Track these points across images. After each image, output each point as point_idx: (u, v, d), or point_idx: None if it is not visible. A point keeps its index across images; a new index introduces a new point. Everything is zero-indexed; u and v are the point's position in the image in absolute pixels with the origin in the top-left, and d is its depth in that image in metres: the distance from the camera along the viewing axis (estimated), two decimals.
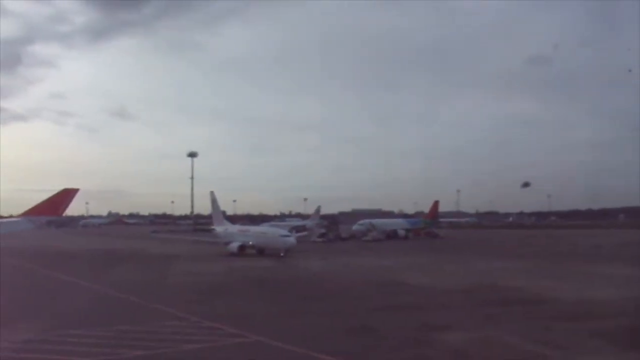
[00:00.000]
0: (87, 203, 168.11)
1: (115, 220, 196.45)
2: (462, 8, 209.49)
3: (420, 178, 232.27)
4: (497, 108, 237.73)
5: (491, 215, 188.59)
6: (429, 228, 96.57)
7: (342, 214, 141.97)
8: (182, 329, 19.60)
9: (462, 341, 17.68)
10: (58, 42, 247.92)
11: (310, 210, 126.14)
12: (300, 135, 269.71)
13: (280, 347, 16.76)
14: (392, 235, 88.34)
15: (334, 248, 67.85)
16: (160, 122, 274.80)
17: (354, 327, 19.87)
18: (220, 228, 64.59)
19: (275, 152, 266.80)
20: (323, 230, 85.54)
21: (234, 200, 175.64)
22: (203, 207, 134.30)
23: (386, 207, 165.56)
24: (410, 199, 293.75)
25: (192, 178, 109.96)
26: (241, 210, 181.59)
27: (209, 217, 74.31)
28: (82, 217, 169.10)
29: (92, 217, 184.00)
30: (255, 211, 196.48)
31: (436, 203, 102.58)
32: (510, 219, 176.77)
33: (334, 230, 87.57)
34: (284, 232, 58.52)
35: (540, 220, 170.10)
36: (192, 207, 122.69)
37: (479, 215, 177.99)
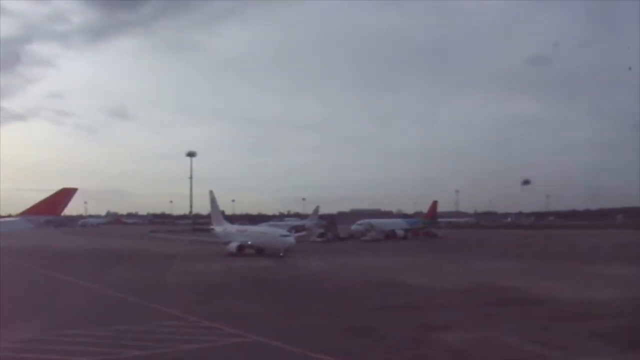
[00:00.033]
0: (85, 203, 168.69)
1: (114, 220, 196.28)
2: (462, 8, 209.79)
3: (420, 178, 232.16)
4: (497, 108, 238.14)
5: (490, 215, 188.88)
6: (428, 228, 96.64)
7: (340, 214, 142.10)
8: (181, 328, 19.58)
9: (460, 341, 17.70)
10: (57, 41, 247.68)
11: (308, 210, 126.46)
12: (299, 135, 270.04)
13: (280, 347, 16.76)
14: (390, 235, 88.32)
15: (332, 248, 67.84)
16: (158, 122, 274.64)
17: (352, 327, 19.87)
18: (219, 228, 64.52)
19: (274, 152, 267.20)
20: (322, 230, 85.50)
21: (233, 200, 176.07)
22: (202, 207, 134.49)
23: (385, 207, 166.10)
24: (409, 199, 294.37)
25: (190, 178, 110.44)
26: (240, 210, 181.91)
27: (208, 216, 74.29)
28: (80, 217, 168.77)
29: (90, 216, 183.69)
30: (253, 211, 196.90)
31: (435, 203, 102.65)
32: (509, 219, 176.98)
33: (332, 230, 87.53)
34: (284, 232, 58.46)
35: (539, 220, 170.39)
36: (191, 206, 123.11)
37: (477, 215, 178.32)
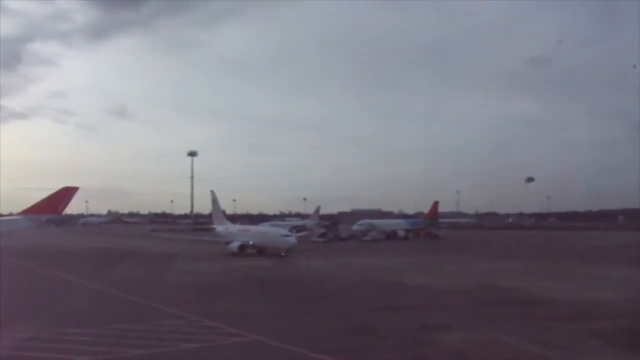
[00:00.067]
0: (86, 202, 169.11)
1: (115, 219, 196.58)
2: (462, 8, 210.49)
3: (420, 178, 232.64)
4: (497, 108, 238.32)
5: (491, 216, 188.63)
6: (429, 228, 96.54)
7: (341, 214, 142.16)
8: (182, 328, 19.61)
9: (461, 341, 17.71)
10: (58, 40, 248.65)
11: (309, 210, 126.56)
12: (299, 135, 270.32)
13: (280, 347, 16.78)
14: (391, 235, 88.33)
15: (333, 248, 67.87)
16: (159, 121, 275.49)
17: (353, 327, 19.89)
18: (221, 227, 64.59)
19: (274, 151, 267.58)
20: (323, 230, 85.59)
21: (234, 200, 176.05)
22: (203, 207, 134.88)
23: (386, 208, 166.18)
24: (410, 199, 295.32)
25: (192, 177, 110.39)
26: (240, 209, 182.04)
27: (209, 216, 74.33)
28: (81, 216, 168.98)
29: (91, 215, 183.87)
30: (254, 211, 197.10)
31: (436, 203, 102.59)
32: (510, 219, 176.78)
33: (333, 230, 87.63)
34: (285, 231, 58.50)
35: (540, 221, 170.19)
36: (192, 206, 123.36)
37: (478, 216, 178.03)
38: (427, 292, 29.41)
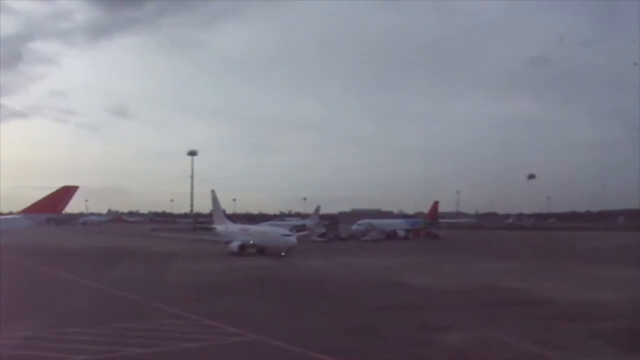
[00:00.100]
0: (86, 201, 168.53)
1: (115, 218, 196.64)
2: (462, 8, 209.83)
3: (420, 178, 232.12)
4: (497, 108, 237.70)
5: (491, 216, 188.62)
6: (429, 229, 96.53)
7: (341, 214, 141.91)
8: (182, 327, 19.60)
9: (461, 341, 17.71)
10: (59, 39, 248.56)
11: (309, 209, 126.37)
12: (299, 135, 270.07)
13: (280, 347, 16.77)
14: (391, 235, 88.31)
15: (333, 248, 67.87)
16: (159, 120, 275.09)
17: (353, 327, 19.89)
18: (221, 227, 64.55)
19: (274, 151, 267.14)
20: (323, 230, 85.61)
21: (234, 199, 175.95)
22: (203, 206, 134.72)
23: (386, 207, 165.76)
24: (410, 199, 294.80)
25: (192, 176, 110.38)
26: (240, 209, 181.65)
27: (209, 215, 74.30)
28: (81, 215, 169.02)
29: (91, 214, 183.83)
30: (254, 210, 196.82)
31: (436, 203, 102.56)
32: (510, 220, 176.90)
33: (333, 230, 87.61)
34: (285, 231, 58.44)
35: (540, 221, 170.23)
36: (192, 205, 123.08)
37: (478, 216, 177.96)
38: (427, 292, 29.41)
